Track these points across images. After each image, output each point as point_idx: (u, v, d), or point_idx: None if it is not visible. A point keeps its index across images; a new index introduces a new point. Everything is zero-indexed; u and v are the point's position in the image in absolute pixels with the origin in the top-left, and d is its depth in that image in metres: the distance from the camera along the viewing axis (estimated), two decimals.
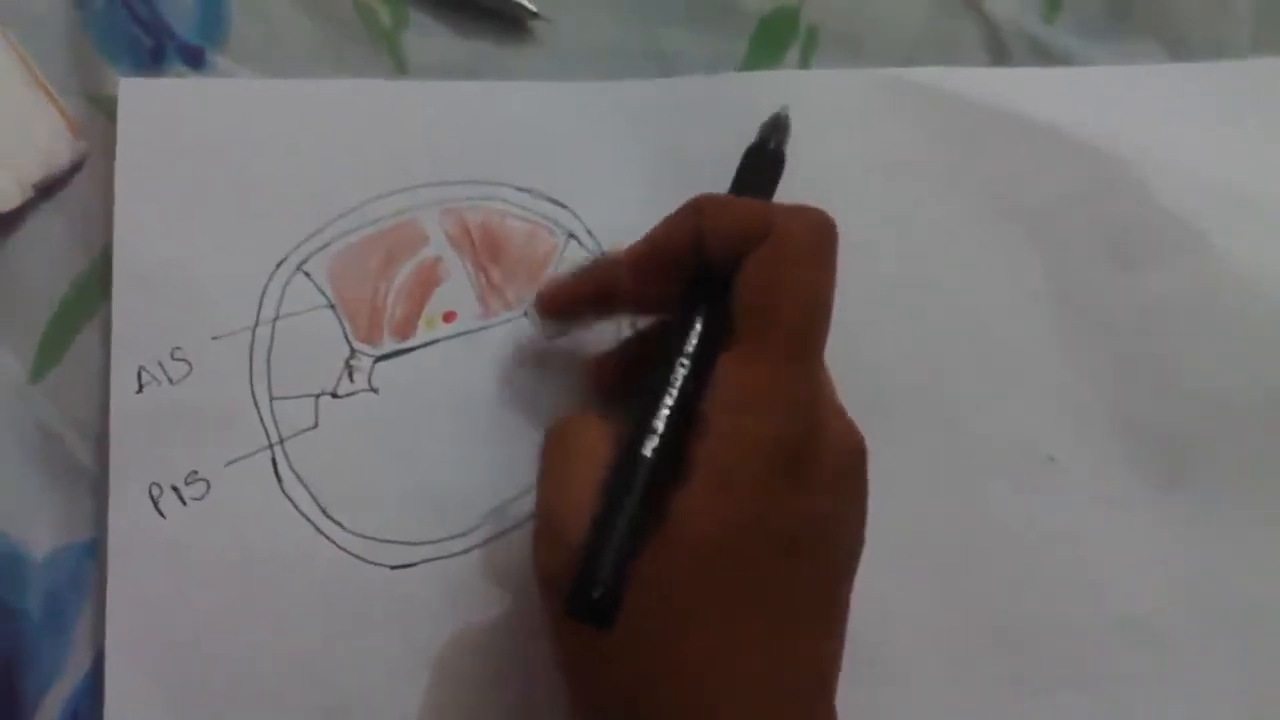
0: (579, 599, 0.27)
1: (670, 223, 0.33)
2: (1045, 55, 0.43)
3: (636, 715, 0.29)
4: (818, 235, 0.32)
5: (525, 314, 0.39)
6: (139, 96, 0.40)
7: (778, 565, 0.29)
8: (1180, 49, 0.43)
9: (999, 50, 0.43)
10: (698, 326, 0.31)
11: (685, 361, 0.31)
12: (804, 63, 0.42)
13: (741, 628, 0.29)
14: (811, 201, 0.39)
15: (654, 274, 0.34)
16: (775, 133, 0.36)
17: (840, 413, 0.32)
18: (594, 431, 0.32)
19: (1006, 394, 0.40)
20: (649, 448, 0.29)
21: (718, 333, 0.31)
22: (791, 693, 0.30)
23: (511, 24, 0.42)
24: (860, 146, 0.42)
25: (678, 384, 0.30)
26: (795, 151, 0.40)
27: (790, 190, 0.40)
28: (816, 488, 0.30)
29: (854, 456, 0.32)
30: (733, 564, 0.29)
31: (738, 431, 0.30)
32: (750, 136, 0.37)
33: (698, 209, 0.33)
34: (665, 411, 0.30)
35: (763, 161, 0.36)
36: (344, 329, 0.39)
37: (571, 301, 0.37)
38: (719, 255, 0.32)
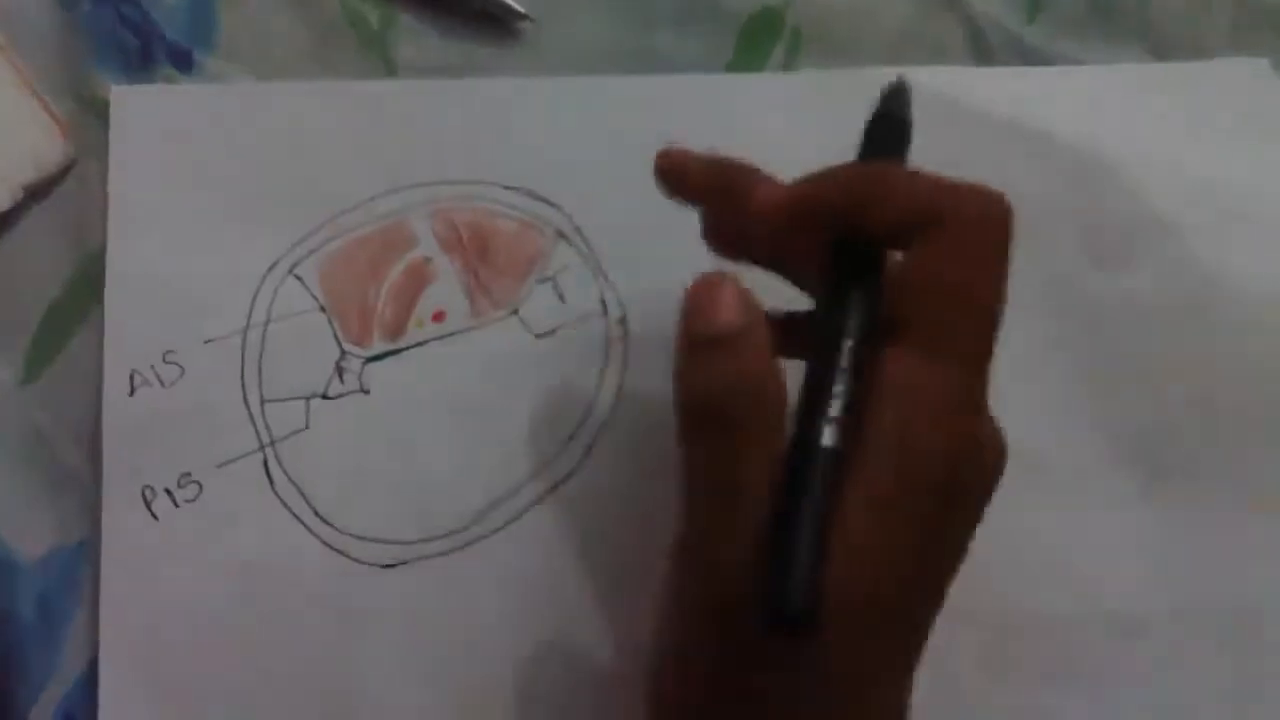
0: (784, 607, 0.25)
1: (826, 179, 0.30)
2: (1028, 56, 0.44)
3: None
4: (1001, 226, 0.29)
5: (515, 313, 0.40)
6: (130, 104, 0.40)
7: (914, 602, 0.29)
8: (1161, 49, 0.44)
9: (982, 51, 0.44)
10: (858, 306, 0.28)
11: (850, 343, 0.28)
12: (789, 63, 0.43)
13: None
14: None
15: (799, 224, 0.30)
16: (898, 99, 0.34)
17: (992, 421, 0.30)
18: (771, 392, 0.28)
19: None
20: (829, 436, 0.27)
21: (874, 315, 0.28)
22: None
23: (499, 26, 0.42)
24: (845, 144, 0.42)
25: (847, 365, 0.27)
26: (782, 150, 0.41)
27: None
28: (969, 512, 0.29)
29: (999, 470, 0.30)
30: (879, 617, 0.28)
31: (909, 442, 0.27)
32: (736, 136, 0.37)
33: (864, 174, 0.30)
34: (839, 399, 0.27)
35: (891, 130, 0.33)
36: (334, 331, 0.39)
37: (687, 181, 0.33)
38: (881, 229, 0.29)
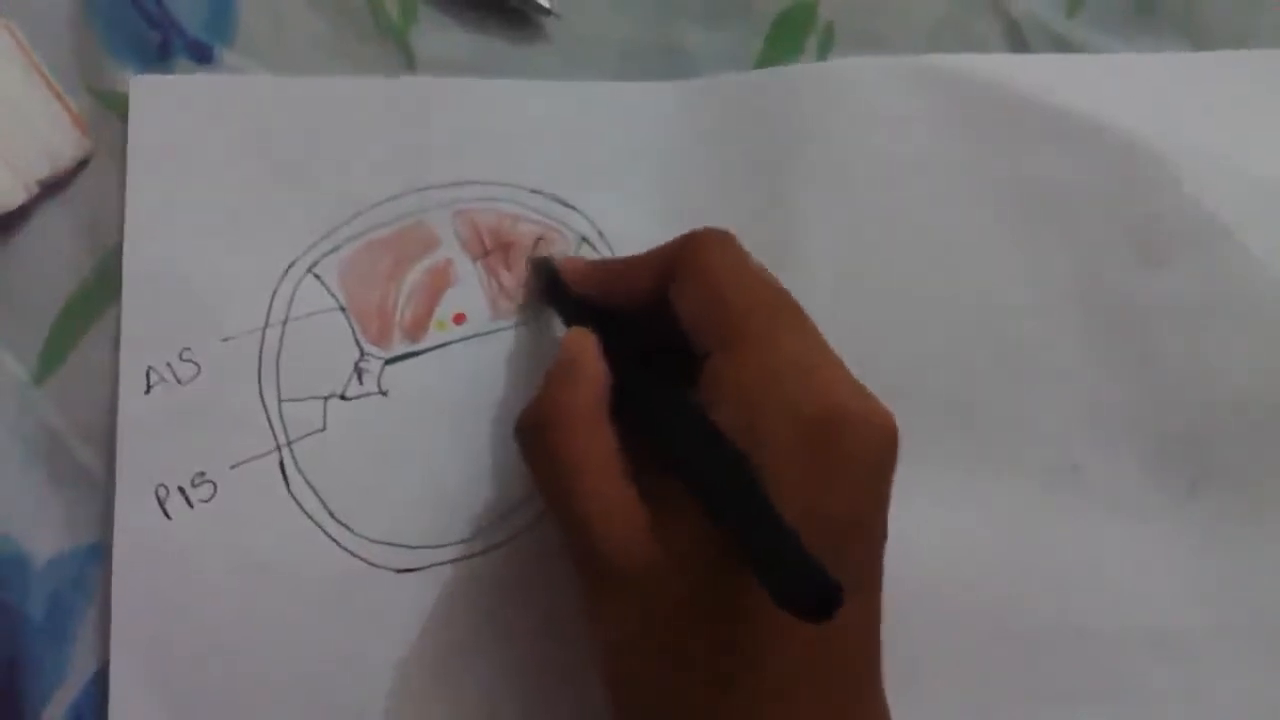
0: (820, 590, 0.26)
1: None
2: (1067, 50, 0.44)
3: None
4: (712, 236, 0.35)
5: (536, 317, 0.40)
6: (150, 93, 0.40)
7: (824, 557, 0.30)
8: (1205, 43, 0.44)
9: (1019, 45, 0.44)
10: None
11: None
12: (821, 58, 0.43)
13: None
14: (831, 196, 0.41)
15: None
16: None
17: (863, 392, 0.32)
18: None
19: (1028, 396, 0.41)
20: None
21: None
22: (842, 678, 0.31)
23: (522, 20, 0.43)
24: (881, 139, 0.42)
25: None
26: (815, 146, 0.41)
27: (810, 186, 0.41)
28: (852, 468, 0.31)
29: (883, 432, 0.32)
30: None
31: (753, 428, 0.31)
32: (767, 133, 0.38)
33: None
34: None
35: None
36: (354, 331, 0.40)
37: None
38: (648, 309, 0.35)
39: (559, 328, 0.40)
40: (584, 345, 0.35)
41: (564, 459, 0.32)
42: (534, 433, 0.34)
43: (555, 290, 0.39)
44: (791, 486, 0.30)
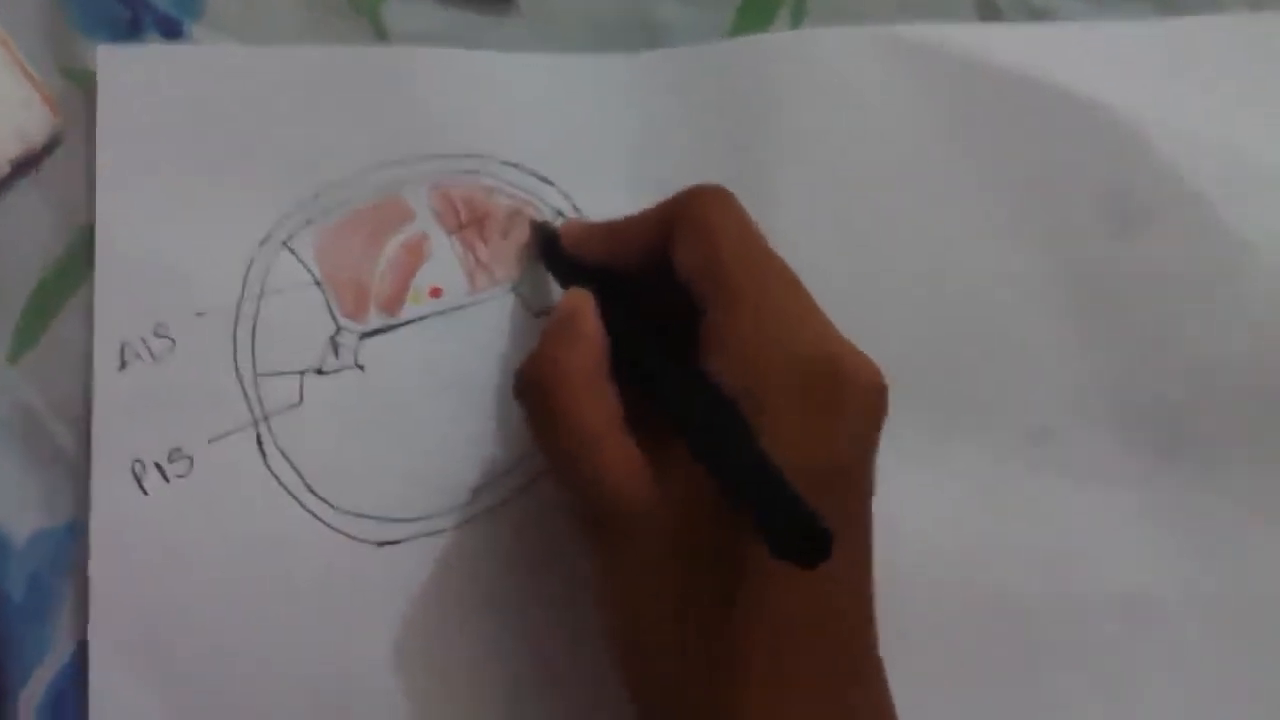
0: (808, 530, 0.27)
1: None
2: (1039, 17, 0.43)
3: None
4: (711, 193, 0.35)
5: (512, 289, 0.41)
6: (118, 64, 0.40)
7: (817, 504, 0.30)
8: (1177, 9, 0.44)
9: (992, 13, 0.43)
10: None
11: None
12: (793, 29, 0.43)
13: None
14: (805, 167, 0.41)
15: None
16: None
17: (854, 346, 0.33)
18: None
19: (1000, 365, 0.41)
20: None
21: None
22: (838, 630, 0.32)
23: None
24: (853, 109, 0.42)
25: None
26: (788, 116, 0.41)
27: (784, 156, 0.41)
28: (846, 416, 0.32)
29: (875, 382, 0.33)
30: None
31: (750, 377, 0.32)
32: (739, 104, 0.38)
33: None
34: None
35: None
36: (329, 305, 0.40)
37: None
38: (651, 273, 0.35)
39: (537, 301, 0.40)
40: (581, 303, 0.35)
41: (564, 412, 0.33)
42: (534, 389, 0.34)
43: (553, 254, 0.39)
44: (788, 434, 0.31)
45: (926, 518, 0.40)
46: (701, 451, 0.30)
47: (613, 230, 0.38)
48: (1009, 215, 0.42)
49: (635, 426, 0.33)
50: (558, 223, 0.41)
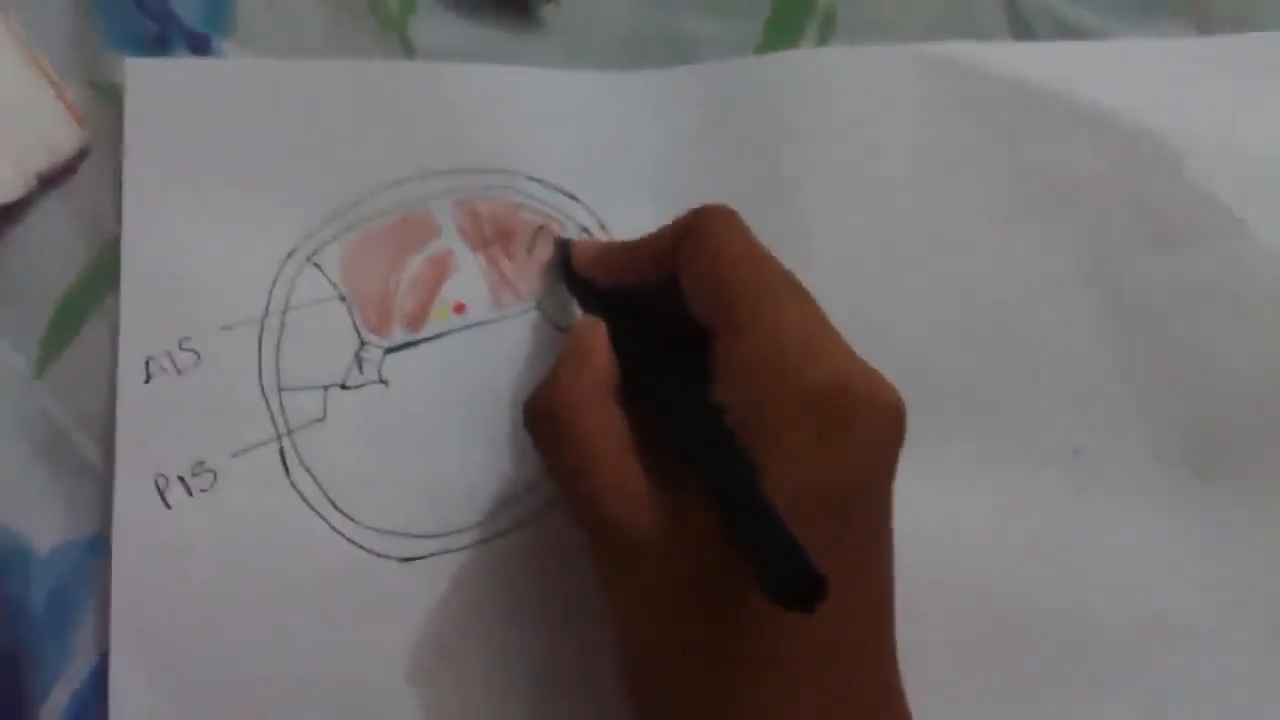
0: (795, 583, 0.26)
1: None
2: (1070, 35, 0.44)
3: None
4: (717, 214, 0.35)
5: (536, 306, 0.41)
6: (146, 78, 0.40)
7: (829, 529, 0.30)
8: (1209, 27, 0.44)
9: (1023, 30, 0.44)
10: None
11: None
12: (821, 46, 0.43)
13: None
14: (833, 183, 0.41)
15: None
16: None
17: (868, 369, 0.33)
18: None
19: (1035, 383, 0.41)
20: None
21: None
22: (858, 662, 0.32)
23: (521, 9, 0.43)
24: (882, 126, 0.42)
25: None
26: (816, 133, 0.41)
27: (812, 174, 0.41)
28: (855, 442, 0.31)
29: (888, 407, 0.32)
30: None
31: (759, 403, 0.31)
32: (767, 121, 0.38)
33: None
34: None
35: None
36: (354, 320, 0.40)
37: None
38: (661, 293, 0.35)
39: (561, 317, 0.40)
40: (592, 334, 0.35)
41: (571, 437, 0.33)
42: (542, 415, 0.34)
43: (570, 273, 0.39)
44: (795, 460, 0.30)
45: (958, 537, 0.40)
46: (703, 487, 0.30)
47: (623, 252, 0.38)
48: (1041, 233, 0.42)
49: (652, 450, 0.33)
50: (582, 239, 0.41)
